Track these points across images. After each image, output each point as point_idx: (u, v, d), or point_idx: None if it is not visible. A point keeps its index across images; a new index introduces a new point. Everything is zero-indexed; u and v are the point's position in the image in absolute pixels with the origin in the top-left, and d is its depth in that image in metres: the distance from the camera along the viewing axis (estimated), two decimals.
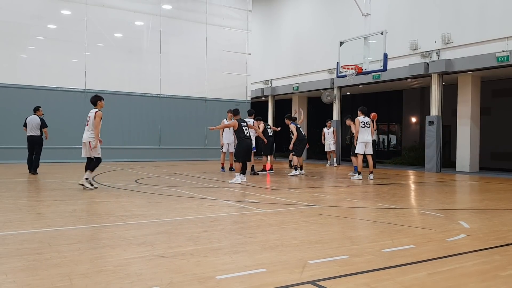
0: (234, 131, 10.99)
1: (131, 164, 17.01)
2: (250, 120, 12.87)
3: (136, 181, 10.73)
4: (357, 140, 12.09)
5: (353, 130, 13.20)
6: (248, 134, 10.80)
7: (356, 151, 12.15)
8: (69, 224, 5.47)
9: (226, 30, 21.25)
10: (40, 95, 16.64)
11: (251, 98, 22.88)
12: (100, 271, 3.55)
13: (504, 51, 13.86)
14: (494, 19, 14.41)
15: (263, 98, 25.38)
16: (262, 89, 24.46)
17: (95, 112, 8.76)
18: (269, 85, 24.28)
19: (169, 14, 19.83)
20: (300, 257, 4.05)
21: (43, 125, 12.31)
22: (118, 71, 18.58)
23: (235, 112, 11.34)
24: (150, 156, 19.05)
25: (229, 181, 10.70)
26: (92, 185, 8.82)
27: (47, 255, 3.99)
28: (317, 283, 3.34)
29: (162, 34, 19.53)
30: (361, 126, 11.91)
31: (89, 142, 8.73)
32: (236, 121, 10.86)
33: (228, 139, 13.63)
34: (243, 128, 10.75)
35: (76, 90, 17.62)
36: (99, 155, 8.83)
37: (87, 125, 8.83)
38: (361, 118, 12.02)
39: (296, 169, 13.09)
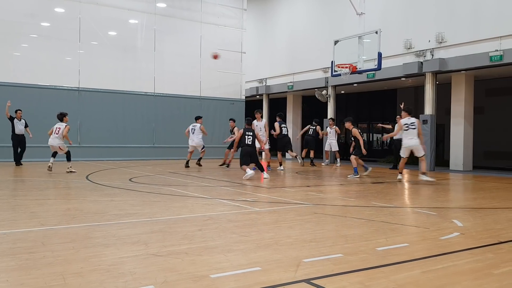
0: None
1: (125, 162, 16.95)
2: (264, 121, 14.46)
3: (130, 179, 10.70)
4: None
5: (354, 134, 13.56)
6: (249, 142, 11.69)
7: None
8: (63, 223, 5.44)
9: (220, 28, 21.19)
10: (33, 94, 16.54)
11: (246, 97, 22.84)
12: (94, 270, 3.54)
13: (497, 51, 13.94)
14: (487, 18, 14.48)
15: (257, 96, 25.36)
16: (257, 88, 24.44)
17: (65, 126, 12.00)
18: (264, 83, 24.27)
19: (164, 13, 19.76)
20: (294, 255, 4.06)
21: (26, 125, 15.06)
22: (112, 69, 18.48)
23: (248, 122, 12.42)
24: (144, 154, 18.98)
25: (243, 176, 11.17)
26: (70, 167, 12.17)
27: (41, 254, 3.97)
28: (312, 281, 3.34)
29: (157, 32, 19.47)
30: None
31: (59, 146, 12.01)
32: (242, 131, 11.93)
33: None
34: (246, 136, 11.73)
35: (69, 88, 17.53)
36: (67, 149, 12.28)
37: (57, 133, 11.85)
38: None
39: (281, 165, 14.65)
